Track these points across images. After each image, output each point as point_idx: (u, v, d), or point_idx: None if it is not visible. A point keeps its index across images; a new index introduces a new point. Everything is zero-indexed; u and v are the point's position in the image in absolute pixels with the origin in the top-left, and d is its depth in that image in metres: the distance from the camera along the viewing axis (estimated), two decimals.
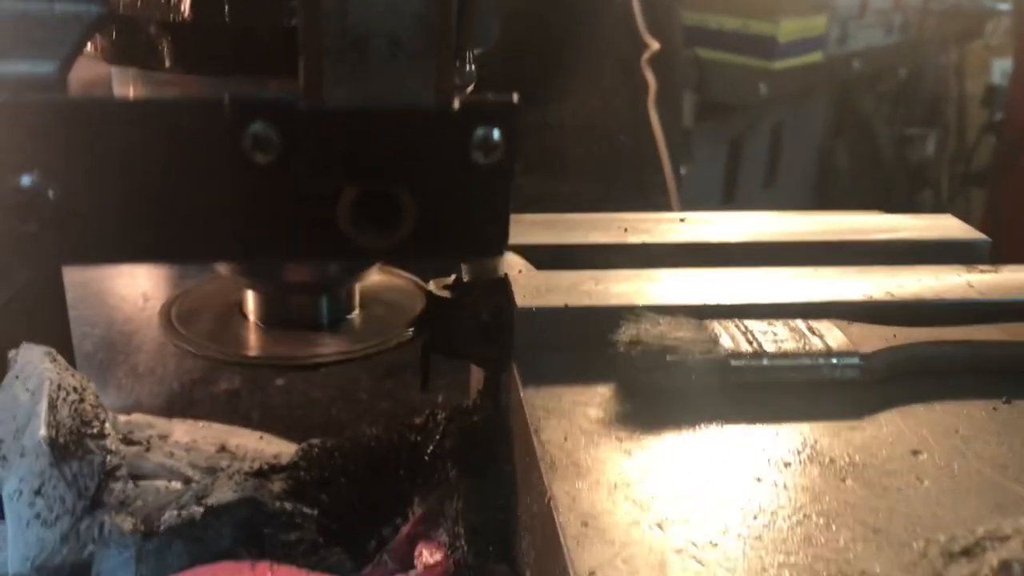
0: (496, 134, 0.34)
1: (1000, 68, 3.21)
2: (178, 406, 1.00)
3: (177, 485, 0.66)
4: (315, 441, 0.69)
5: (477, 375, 0.68)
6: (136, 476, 0.65)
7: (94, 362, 1.00)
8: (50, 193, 0.31)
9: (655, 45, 1.12)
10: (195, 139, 0.33)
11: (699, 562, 0.37)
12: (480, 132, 0.34)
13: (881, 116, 3.19)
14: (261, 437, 0.75)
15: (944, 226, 0.67)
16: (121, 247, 0.35)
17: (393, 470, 0.62)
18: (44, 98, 0.32)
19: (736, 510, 0.40)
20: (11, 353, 0.59)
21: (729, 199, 2.65)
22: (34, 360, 0.58)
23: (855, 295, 0.55)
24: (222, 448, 0.73)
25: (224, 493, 0.63)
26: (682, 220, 0.66)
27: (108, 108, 0.33)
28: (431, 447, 0.62)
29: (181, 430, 0.74)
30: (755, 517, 0.40)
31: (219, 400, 1.01)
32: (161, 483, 0.66)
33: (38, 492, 0.50)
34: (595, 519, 0.40)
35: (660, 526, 0.39)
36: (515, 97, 0.34)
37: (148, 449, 0.69)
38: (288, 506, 0.58)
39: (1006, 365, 0.51)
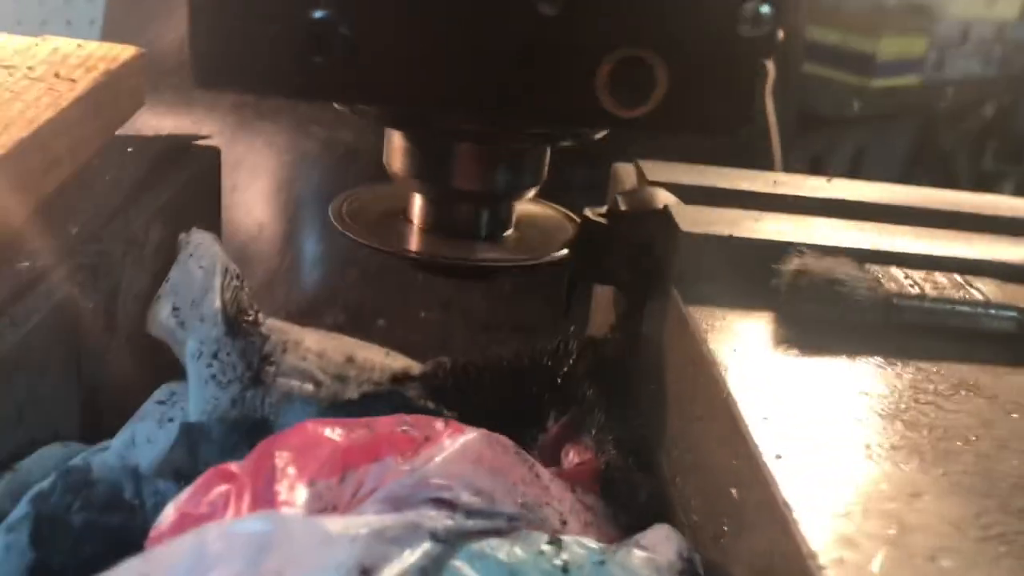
0: (765, 7, 0.36)
1: None
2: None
3: (309, 387, 0.69)
4: (445, 358, 0.71)
5: (603, 312, 0.70)
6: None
7: None
8: (342, 28, 0.34)
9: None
10: None
11: (881, 458, 0.39)
12: (750, 4, 0.36)
13: (963, 152, 3.15)
14: (388, 353, 0.77)
15: None
16: (401, 89, 0.37)
17: (527, 385, 0.64)
18: None
19: (908, 427, 0.42)
20: (182, 235, 0.62)
21: None
22: (206, 242, 0.61)
23: (1011, 257, 0.56)
24: (350, 359, 0.75)
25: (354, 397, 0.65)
26: (829, 180, 0.68)
27: None
28: (564, 370, 0.64)
29: (312, 338, 0.77)
30: (928, 431, 0.41)
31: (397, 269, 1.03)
32: (295, 382, 0.69)
33: (215, 356, 0.53)
34: (772, 417, 0.41)
35: (838, 424, 0.41)
36: None
37: (285, 351, 0.72)
38: (431, 404, 0.60)
39: None
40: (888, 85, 2.26)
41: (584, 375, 0.62)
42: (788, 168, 2.06)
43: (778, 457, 0.38)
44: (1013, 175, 3.31)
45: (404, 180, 0.58)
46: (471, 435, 0.38)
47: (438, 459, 0.36)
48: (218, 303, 0.56)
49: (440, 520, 0.33)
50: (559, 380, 0.64)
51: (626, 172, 0.71)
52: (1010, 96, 2.98)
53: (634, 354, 0.61)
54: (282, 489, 0.34)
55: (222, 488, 0.35)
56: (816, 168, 2.65)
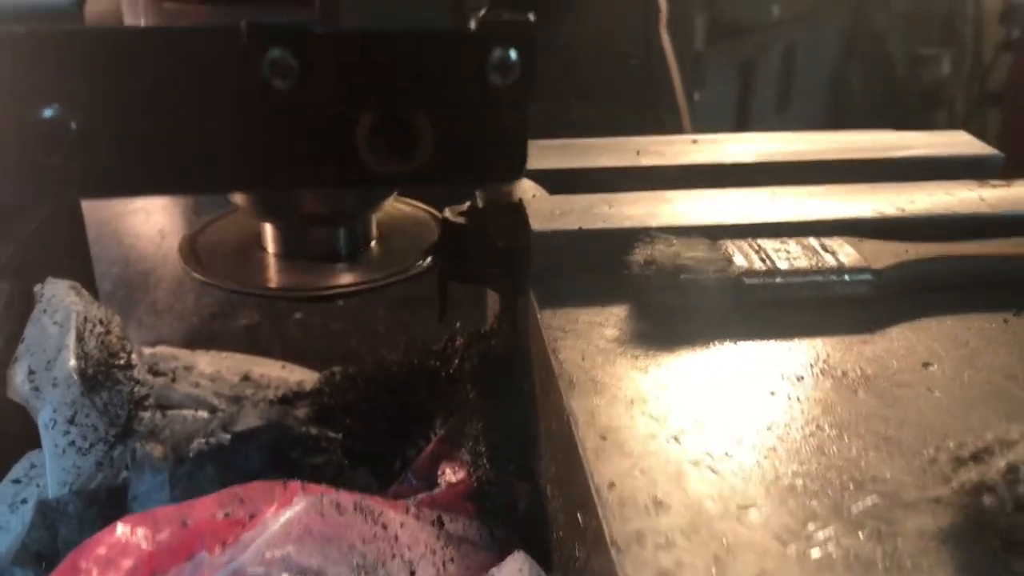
0: (513, 54, 0.34)
1: None
2: (198, 341, 1.01)
3: (204, 414, 0.68)
4: (337, 368, 0.70)
5: (493, 304, 0.69)
6: (163, 406, 0.67)
7: (113, 300, 1.02)
8: (72, 125, 0.32)
9: None
10: (214, 67, 0.33)
11: (714, 472, 0.38)
12: (497, 53, 0.34)
13: (895, 35, 3.13)
14: (284, 366, 0.76)
15: (957, 142, 0.67)
16: (143, 178, 0.35)
17: (415, 393, 0.63)
18: (62, 28, 0.32)
19: (750, 423, 0.41)
20: (37, 288, 0.60)
21: (742, 125, 2.62)
22: (60, 294, 0.59)
23: (867, 212, 0.55)
24: (246, 377, 0.74)
25: (250, 420, 0.65)
26: (694, 142, 0.67)
27: (126, 37, 0.33)
28: (451, 370, 0.63)
29: (205, 361, 0.76)
30: (769, 429, 0.41)
31: (239, 334, 1.02)
32: (188, 412, 0.68)
33: (71, 421, 0.51)
34: (613, 433, 0.41)
35: (676, 439, 0.40)
36: (532, 16, 0.34)
37: (174, 380, 0.71)
38: (313, 430, 0.59)
39: (1017, 279, 0.52)
40: None
41: (469, 374, 0.61)
42: (706, 91, 2.05)
43: (611, 485, 0.38)
44: (944, 56, 3.30)
45: (250, 211, 0.56)
46: (299, 506, 0.37)
47: (258, 543, 0.35)
48: (72, 362, 0.54)
49: None
50: (446, 382, 0.63)
51: None
52: None
53: (514, 349, 0.60)
54: None
55: None
56: (747, 76, 2.63)
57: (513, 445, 0.54)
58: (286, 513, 0.37)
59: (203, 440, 0.61)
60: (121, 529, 0.36)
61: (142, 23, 0.45)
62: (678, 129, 1.24)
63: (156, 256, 1.12)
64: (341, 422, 0.61)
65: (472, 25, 0.34)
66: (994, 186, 0.59)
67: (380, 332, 1.07)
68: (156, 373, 0.71)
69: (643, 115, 1.22)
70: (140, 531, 0.36)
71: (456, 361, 0.63)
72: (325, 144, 0.35)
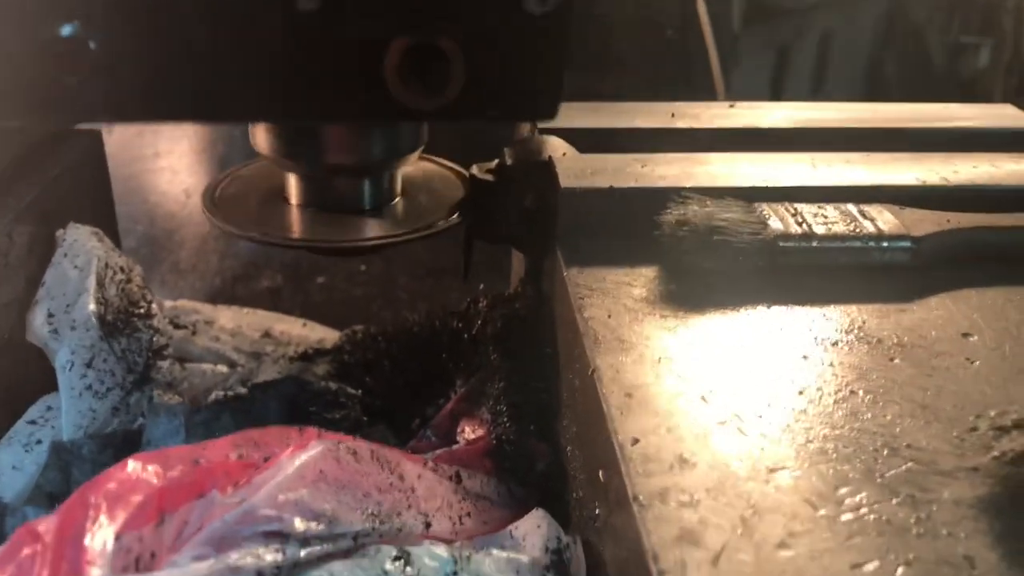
0: None
1: None
2: (220, 302, 1.01)
3: (223, 368, 0.67)
4: (358, 327, 0.69)
5: (518, 268, 0.68)
6: (182, 359, 0.66)
7: (137, 257, 1.01)
8: (91, 44, 0.31)
9: None
10: None
11: (742, 432, 0.37)
12: None
13: (934, 24, 3.07)
14: (304, 324, 0.75)
15: (1003, 114, 0.65)
16: (163, 103, 0.34)
17: (436, 354, 0.62)
18: None
19: (781, 386, 0.40)
20: (58, 232, 0.59)
21: None
22: (81, 239, 0.58)
23: (909, 180, 0.54)
24: (266, 334, 0.74)
25: (269, 376, 0.64)
26: (731, 106, 0.65)
27: None
28: (473, 331, 0.62)
29: (226, 316, 0.75)
30: (801, 392, 0.40)
31: (261, 296, 1.02)
32: (207, 366, 0.67)
33: (89, 364, 0.51)
34: (639, 390, 0.39)
35: (704, 398, 0.39)
36: None
37: (195, 333, 0.70)
38: (332, 386, 0.58)
39: None
40: None
41: (491, 337, 0.60)
42: (740, 72, 2.02)
43: (635, 442, 0.36)
44: (984, 46, 3.25)
45: (275, 161, 0.55)
46: (313, 451, 0.36)
47: (271, 485, 0.34)
48: (92, 306, 0.54)
49: (268, 555, 0.31)
50: (468, 344, 0.62)
51: None
52: None
53: (539, 312, 0.59)
54: (91, 544, 0.32)
55: (28, 551, 0.34)
56: (782, 60, 2.60)
57: (534, 406, 0.53)
58: (301, 456, 0.36)
59: (221, 393, 0.60)
60: (132, 465, 0.35)
61: None
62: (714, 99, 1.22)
63: (181, 215, 1.12)
64: (360, 379, 0.60)
65: None
66: None
67: (402, 298, 1.07)
68: (177, 326, 0.70)
69: (678, 88, 1.21)
70: (151, 468, 0.35)
71: (479, 323, 0.62)
72: (353, 72, 0.34)
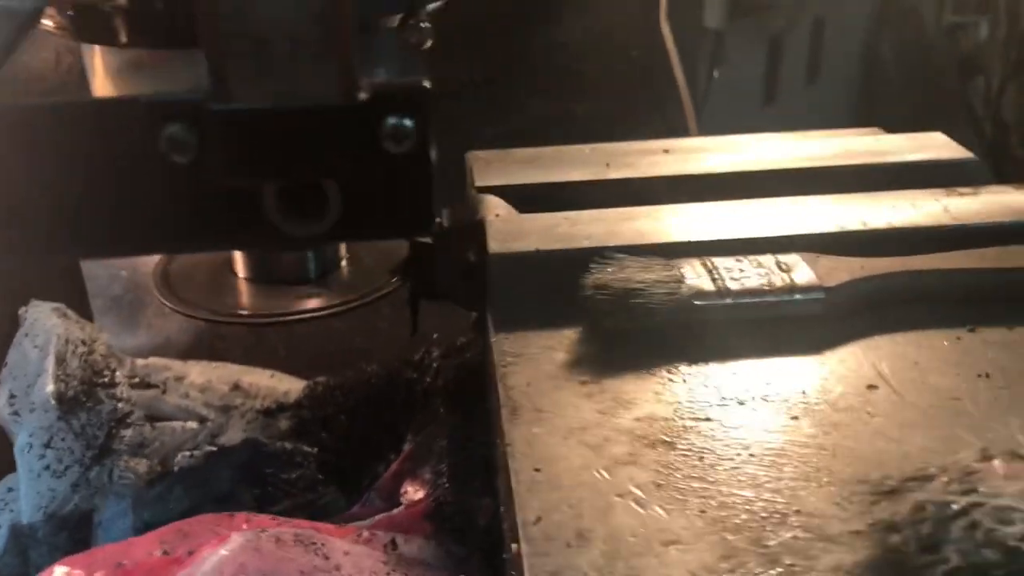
0: (408, 122, 0.35)
1: None
2: (206, 341, 1.03)
3: (193, 425, 0.70)
4: (320, 379, 0.72)
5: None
6: (154, 418, 0.69)
7: (123, 304, 1.04)
8: None
9: None
10: (118, 140, 0.34)
11: (640, 505, 0.39)
12: (391, 122, 0.35)
13: (928, 4, 3.06)
14: (272, 375, 0.78)
15: (934, 145, 0.66)
16: (56, 243, 0.37)
17: (390, 406, 0.65)
18: None
19: (682, 452, 0.42)
20: (21, 311, 0.62)
21: (770, 100, 2.58)
22: (42, 317, 0.61)
23: (828, 226, 0.55)
24: (235, 387, 0.76)
25: (235, 433, 0.66)
26: (666, 151, 0.67)
27: (34, 111, 0.34)
28: (426, 383, 0.64)
29: (196, 371, 0.77)
30: (701, 459, 0.41)
31: (244, 335, 1.04)
32: (177, 424, 0.70)
33: (47, 445, 0.53)
34: (548, 464, 0.41)
35: (608, 470, 0.41)
36: (426, 82, 0.35)
37: (165, 391, 0.73)
38: (288, 446, 0.61)
39: (973, 292, 0.51)
40: None
41: (442, 388, 0.63)
42: (732, 67, 2.02)
43: (537, 520, 0.38)
44: (983, 21, 3.22)
45: None
46: (234, 544, 0.38)
47: None
48: (50, 387, 0.56)
49: None
50: (420, 396, 0.64)
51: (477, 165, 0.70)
52: None
53: (487, 363, 0.61)
54: None
55: None
56: (774, 50, 2.59)
57: (477, 462, 0.55)
58: (220, 552, 0.38)
59: (187, 453, 0.62)
60: (58, 571, 0.37)
61: (99, 68, 0.46)
62: (682, 121, 1.23)
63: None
64: (317, 436, 0.63)
65: (364, 96, 0.35)
66: (961, 194, 0.58)
67: (384, 329, 1.09)
68: (148, 385, 0.73)
69: (647, 107, 1.22)
70: (76, 573, 0.37)
71: (432, 373, 0.65)
72: (234, 213, 0.36)
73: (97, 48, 0.45)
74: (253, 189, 0.35)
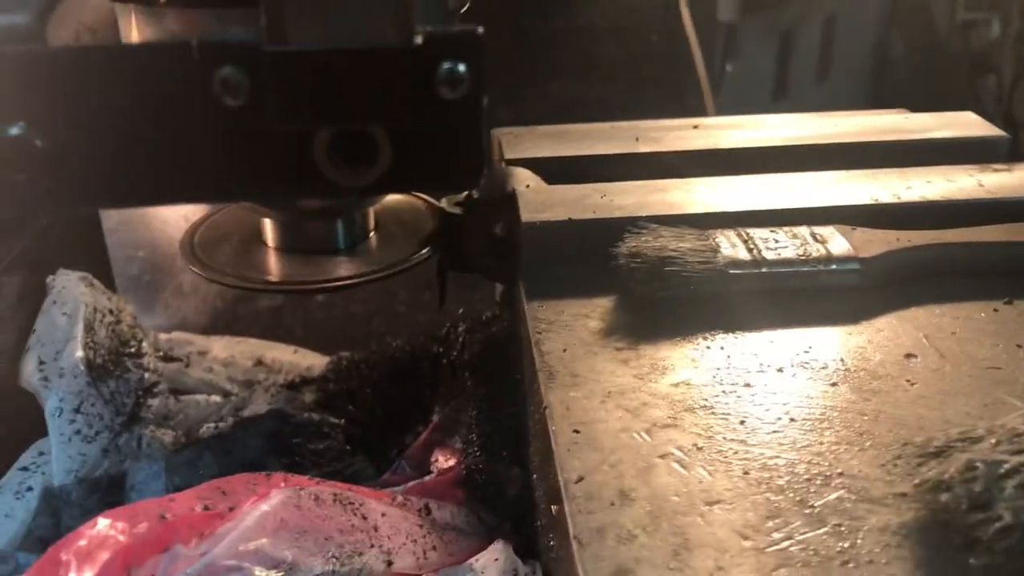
0: (462, 68, 0.35)
1: None
2: (222, 322, 1.03)
3: (217, 398, 0.70)
4: (344, 354, 0.72)
5: (499, 286, 0.70)
6: (178, 391, 0.69)
7: (140, 284, 1.04)
8: (37, 142, 0.33)
9: None
10: (169, 84, 0.34)
11: (682, 466, 0.39)
12: (445, 67, 0.35)
13: (940, 2, 3.05)
14: (296, 351, 0.78)
15: (964, 123, 0.66)
16: (107, 192, 0.36)
17: (416, 380, 0.64)
18: (22, 48, 0.34)
19: (723, 416, 0.42)
20: (48, 279, 0.62)
21: (780, 95, 2.58)
22: (70, 285, 0.61)
23: (862, 199, 0.55)
24: (258, 362, 0.76)
25: (259, 405, 0.66)
26: (695, 127, 0.66)
27: (84, 56, 0.34)
28: (452, 357, 0.64)
29: (219, 346, 0.77)
30: (742, 422, 0.41)
31: (262, 316, 1.04)
32: (201, 397, 0.70)
33: (77, 410, 0.53)
34: (587, 427, 0.41)
35: (648, 432, 0.41)
36: (480, 29, 0.35)
37: (188, 365, 0.73)
38: (315, 416, 0.61)
39: (1009, 266, 0.51)
40: None
41: (468, 361, 0.62)
42: (743, 61, 2.02)
43: (579, 479, 0.38)
44: (994, 18, 3.21)
45: (251, 207, 0.57)
46: (275, 500, 0.38)
47: (232, 536, 0.36)
48: (79, 353, 0.56)
49: None
50: (447, 369, 0.64)
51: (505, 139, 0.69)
52: None
53: (514, 336, 0.61)
54: None
55: None
56: (785, 45, 2.58)
57: (506, 432, 0.55)
58: (262, 507, 0.38)
59: (212, 425, 0.62)
60: (101, 522, 0.37)
61: (132, 29, 0.46)
62: (701, 106, 1.23)
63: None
64: (343, 408, 0.63)
65: (420, 40, 0.34)
66: (995, 170, 0.58)
67: (401, 312, 1.09)
68: (171, 359, 0.73)
69: (665, 93, 1.22)
70: (120, 524, 0.37)
71: (458, 348, 0.64)
72: (284, 160, 0.36)
73: (133, 19, 0.45)
74: (305, 134, 0.35)
